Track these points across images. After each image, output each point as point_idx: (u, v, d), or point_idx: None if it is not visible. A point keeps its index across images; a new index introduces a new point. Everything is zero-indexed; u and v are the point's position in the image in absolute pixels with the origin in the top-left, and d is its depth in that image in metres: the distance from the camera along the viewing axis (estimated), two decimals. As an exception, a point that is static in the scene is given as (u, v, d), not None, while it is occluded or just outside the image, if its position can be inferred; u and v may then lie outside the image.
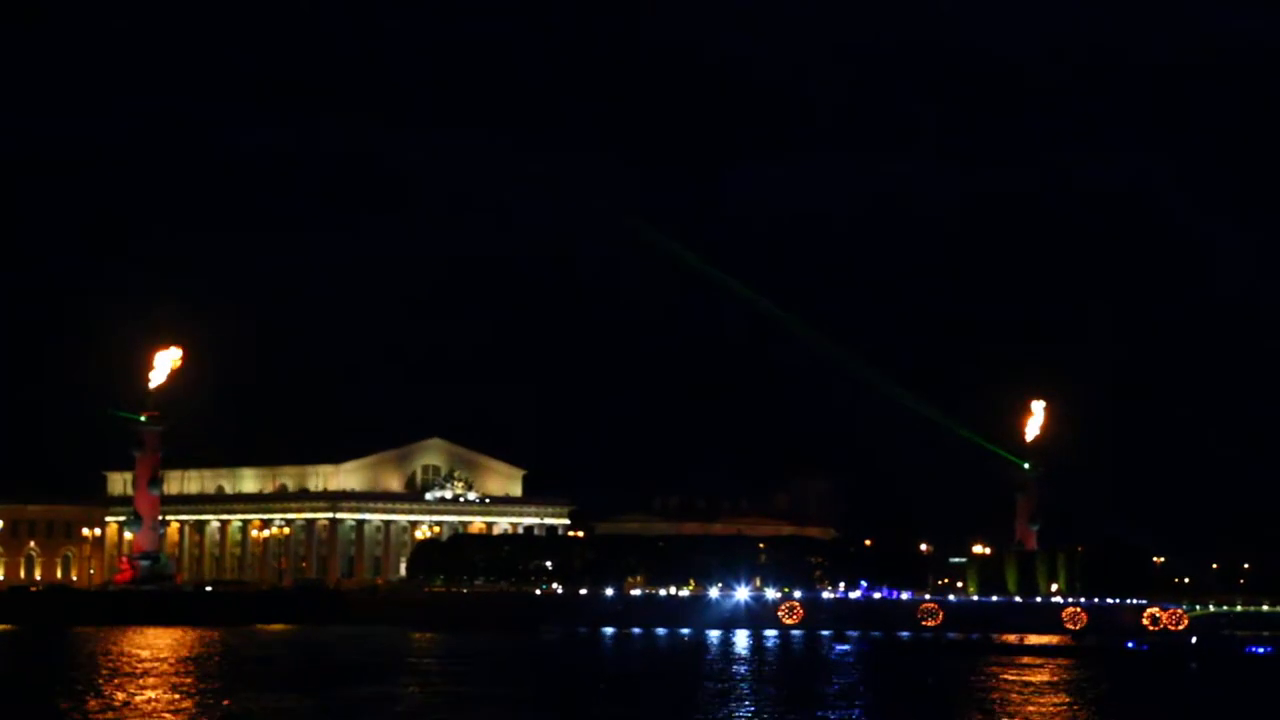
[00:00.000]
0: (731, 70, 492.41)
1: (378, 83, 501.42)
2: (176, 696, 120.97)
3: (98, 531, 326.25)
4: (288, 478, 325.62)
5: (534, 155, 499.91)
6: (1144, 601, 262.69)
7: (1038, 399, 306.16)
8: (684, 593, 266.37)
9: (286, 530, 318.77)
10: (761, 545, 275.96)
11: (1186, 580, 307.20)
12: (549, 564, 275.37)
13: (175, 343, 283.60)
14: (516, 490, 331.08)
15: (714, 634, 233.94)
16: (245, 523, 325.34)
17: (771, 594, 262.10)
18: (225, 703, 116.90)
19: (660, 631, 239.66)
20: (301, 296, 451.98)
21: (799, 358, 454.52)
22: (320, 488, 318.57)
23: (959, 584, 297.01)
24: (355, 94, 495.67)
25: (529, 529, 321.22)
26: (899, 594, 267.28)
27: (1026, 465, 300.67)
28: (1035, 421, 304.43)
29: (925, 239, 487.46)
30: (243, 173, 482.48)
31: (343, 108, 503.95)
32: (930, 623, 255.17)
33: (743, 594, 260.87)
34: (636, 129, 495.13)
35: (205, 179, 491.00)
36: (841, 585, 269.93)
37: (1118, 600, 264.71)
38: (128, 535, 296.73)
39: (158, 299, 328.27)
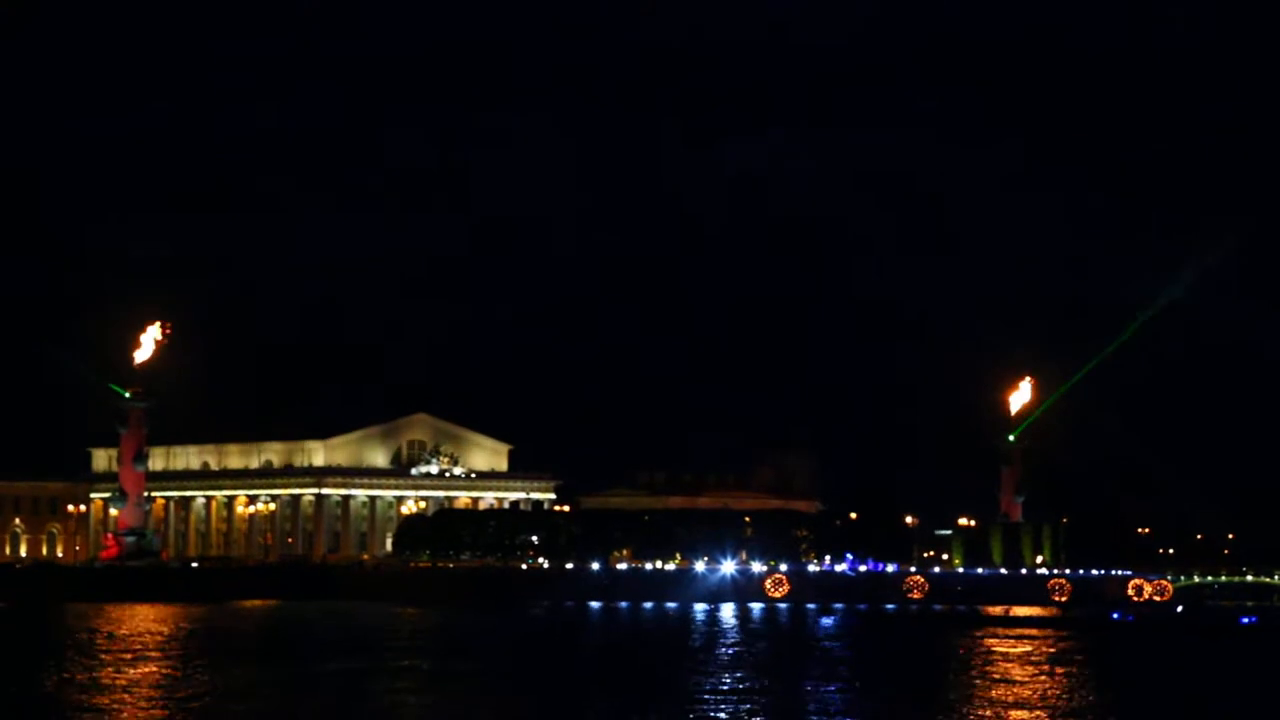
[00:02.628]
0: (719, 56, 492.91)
1: (374, 75, 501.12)
2: (160, 672, 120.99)
3: (83, 508, 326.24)
4: (273, 454, 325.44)
5: (524, 144, 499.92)
6: (1129, 572, 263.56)
7: (1025, 374, 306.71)
8: (670, 566, 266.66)
9: (272, 506, 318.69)
10: (747, 519, 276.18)
11: (1170, 551, 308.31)
12: (535, 539, 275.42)
13: (161, 320, 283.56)
14: (502, 465, 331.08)
15: (700, 607, 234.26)
16: (231, 499, 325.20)
17: (757, 567, 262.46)
18: (203, 679, 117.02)
19: (647, 605, 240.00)
20: (290, 277, 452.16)
21: (784, 330, 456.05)
22: (306, 463, 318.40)
23: (944, 556, 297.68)
24: (352, 84, 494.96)
25: (515, 504, 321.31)
26: (884, 566, 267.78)
27: (1012, 437, 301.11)
28: (1020, 395, 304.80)
29: (912, 211, 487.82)
30: (238, 157, 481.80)
31: (341, 93, 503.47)
32: (916, 595, 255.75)
33: (729, 567, 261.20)
34: (628, 122, 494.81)
35: (198, 162, 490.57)
36: (827, 558, 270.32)
37: (1102, 571, 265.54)
38: (113, 512, 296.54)
39: (144, 277, 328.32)
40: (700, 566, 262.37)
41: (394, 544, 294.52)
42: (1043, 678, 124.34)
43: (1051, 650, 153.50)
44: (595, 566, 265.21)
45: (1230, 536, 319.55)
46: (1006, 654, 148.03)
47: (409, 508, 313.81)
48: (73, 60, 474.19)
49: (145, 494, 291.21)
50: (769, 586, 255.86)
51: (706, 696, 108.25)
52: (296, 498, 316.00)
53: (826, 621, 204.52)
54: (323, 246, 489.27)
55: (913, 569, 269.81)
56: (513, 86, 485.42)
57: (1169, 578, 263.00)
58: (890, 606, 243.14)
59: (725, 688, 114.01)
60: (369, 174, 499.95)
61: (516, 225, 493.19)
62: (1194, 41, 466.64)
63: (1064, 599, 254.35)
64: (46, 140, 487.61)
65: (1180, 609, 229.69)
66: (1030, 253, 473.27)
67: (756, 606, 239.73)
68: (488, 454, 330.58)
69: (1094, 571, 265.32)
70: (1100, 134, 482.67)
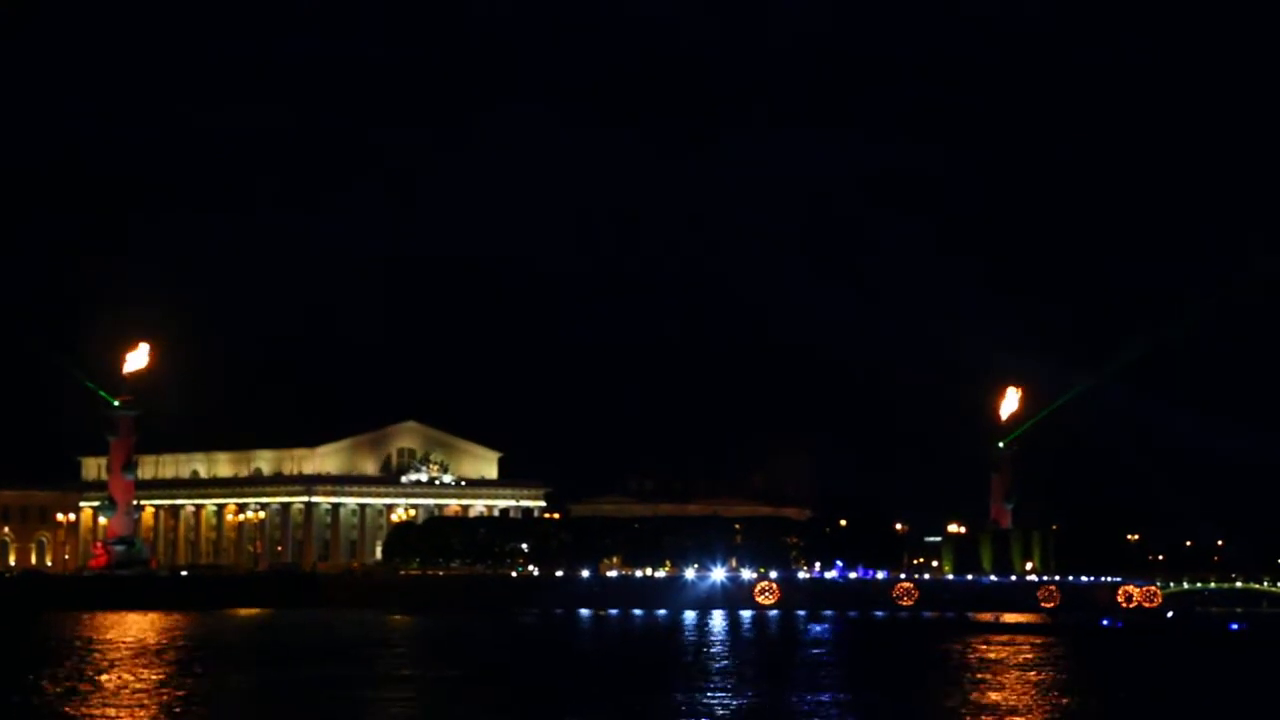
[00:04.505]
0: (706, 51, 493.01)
1: (374, 76, 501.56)
2: (148, 680, 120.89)
3: (72, 517, 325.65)
4: (263, 462, 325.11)
5: (516, 144, 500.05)
6: (1118, 579, 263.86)
7: (1012, 382, 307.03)
8: (660, 574, 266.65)
9: (262, 514, 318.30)
10: (737, 526, 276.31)
11: (1160, 558, 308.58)
12: (525, 546, 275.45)
13: (150, 329, 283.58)
14: (492, 473, 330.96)
15: (690, 615, 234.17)
16: (220, 507, 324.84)
17: (747, 574, 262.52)
18: (186, 685, 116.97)
19: (637, 612, 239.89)
20: (284, 281, 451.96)
21: (774, 336, 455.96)
22: (295, 471, 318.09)
23: (934, 563, 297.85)
24: (352, 84, 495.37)
25: (505, 511, 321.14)
26: (874, 574, 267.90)
27: (1001, 444, 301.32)
28: (1009, 403, 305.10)
29: (908, 213, 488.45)
30: (238, 157, 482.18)
31: (340, 93, 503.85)
32: (906, 602, 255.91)
33: (719, 575, 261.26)
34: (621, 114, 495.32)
35: (185, 165, 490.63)
36: (817, 565, 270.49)
37: (1092, 578, 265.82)
38: (102, 520, 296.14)
39: (133, 284, 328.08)
40: (690, 574, 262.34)
41: (384, 552, 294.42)
42: (1031, 684, 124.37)
43: (1041, 657, 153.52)
44: (585, 574, 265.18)
45: (1219, 543, 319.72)
46: (996, 661, 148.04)
47: (399, 515, 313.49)
48: (73, 60, 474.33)
49: (135, 502, 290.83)
50: (759, 594, 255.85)
51: (695, 705, 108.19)
52: (286, 506, 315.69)
53: (816, 629, 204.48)
54: (318, 249, 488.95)
55: (902, 576, 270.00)
56: (513, 86, 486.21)
57: (1158, 584, 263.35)
58: (880, 613, 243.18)
59: (713, 696, 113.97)
60: (369, 174, 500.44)
61: (513, 226, 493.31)
62: (1203, 56, 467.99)
63: (1053, 605, 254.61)
64: (45, 140, 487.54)
65: (1170, 615, 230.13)
66: (1028, 253, 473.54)
67: (746, 614, 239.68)
68: (477, 461, 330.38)
69: (1083, 578, 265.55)
70: (1100, 141, 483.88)
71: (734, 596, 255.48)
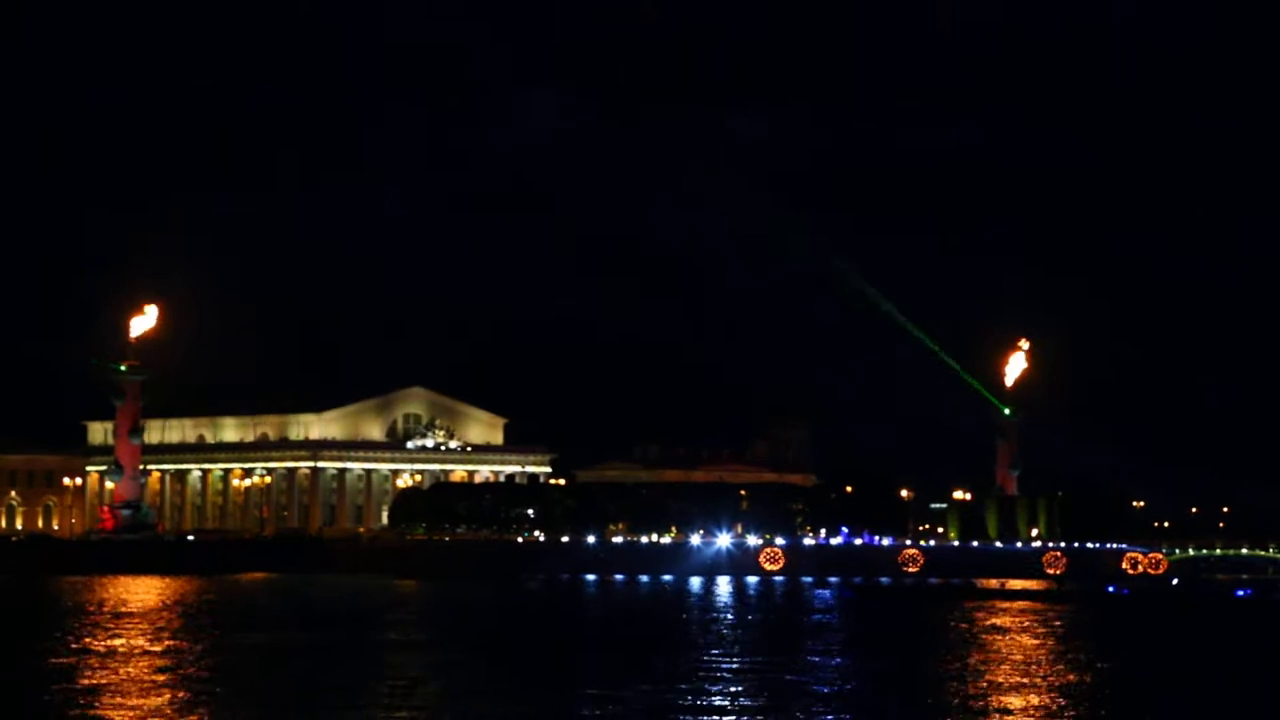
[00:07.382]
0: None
1: (378, 57, 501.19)
2: (154, 645, 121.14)
3: (79, 481, 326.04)
4: (269, 427, 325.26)
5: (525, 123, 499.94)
6: (1124, 546, 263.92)
7: (1021, 342, 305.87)
8: (666, 540, 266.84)
9: (268, 479, 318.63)
10: (743, 492, 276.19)
11: (1166, 524, 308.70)
12: (530, 512, 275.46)
13: (156, 292, 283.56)
14: (498, 439, 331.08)
15: (696, 581, 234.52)
16: (226, 472, 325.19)
17: (753, 540, 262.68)
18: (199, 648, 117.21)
19: (643, 578, 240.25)
20: (289, 252, 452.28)
21: (780, 302, 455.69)
22: (301, 437, 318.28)
23: (940, 530, 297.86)
24: (356, 65, 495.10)
25: (510, 477, 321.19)
26: (880, 540, 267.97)
27: (1007, 410, 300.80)
28: (1016, 365, 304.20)
29: (904, 182, 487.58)
30: (245, 134, 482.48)
31: (345, 73, 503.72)
32: (911, 568, 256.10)
33: (724, 541, 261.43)
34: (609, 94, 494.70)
35: (190, 137, 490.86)
36: (823, 531, 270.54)
37: (1098, 545, 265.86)
38: (109, 485, 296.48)
39: (139, 249, 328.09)
40: (696, 540, 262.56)
41: (390, 517, 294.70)
42: (1036, 651, 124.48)
43: (1046, 623, 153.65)
44: (590, 540, 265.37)
45: (1225, 510, 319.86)
46: (1001, 627, 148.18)
47: (405, 481, 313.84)
48: (79, 35, 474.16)
49: (141, 467, 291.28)
50: (764, 560, 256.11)
51: (700, 670, 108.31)
52: (292, 471, 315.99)
53: (822, 595, 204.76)
54: (325, 222, 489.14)
55: (908, 542, 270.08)
56: (514, 69, 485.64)
57: (1164, 551, 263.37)
58: (886, 580, 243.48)
59: (719, 661, 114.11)
60: (371, 152, 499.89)
61: (515, 201, 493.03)
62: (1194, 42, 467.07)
63: (1059, 572, 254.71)
64: (51, 113, 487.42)
65: (1175, 582, 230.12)
66: (1027, 226, 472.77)
67: (752, 580, 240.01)
68: (483, 427, 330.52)
69: (1089, 545, 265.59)
70: (1097, 104, 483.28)
71: (739, 562, 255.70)
